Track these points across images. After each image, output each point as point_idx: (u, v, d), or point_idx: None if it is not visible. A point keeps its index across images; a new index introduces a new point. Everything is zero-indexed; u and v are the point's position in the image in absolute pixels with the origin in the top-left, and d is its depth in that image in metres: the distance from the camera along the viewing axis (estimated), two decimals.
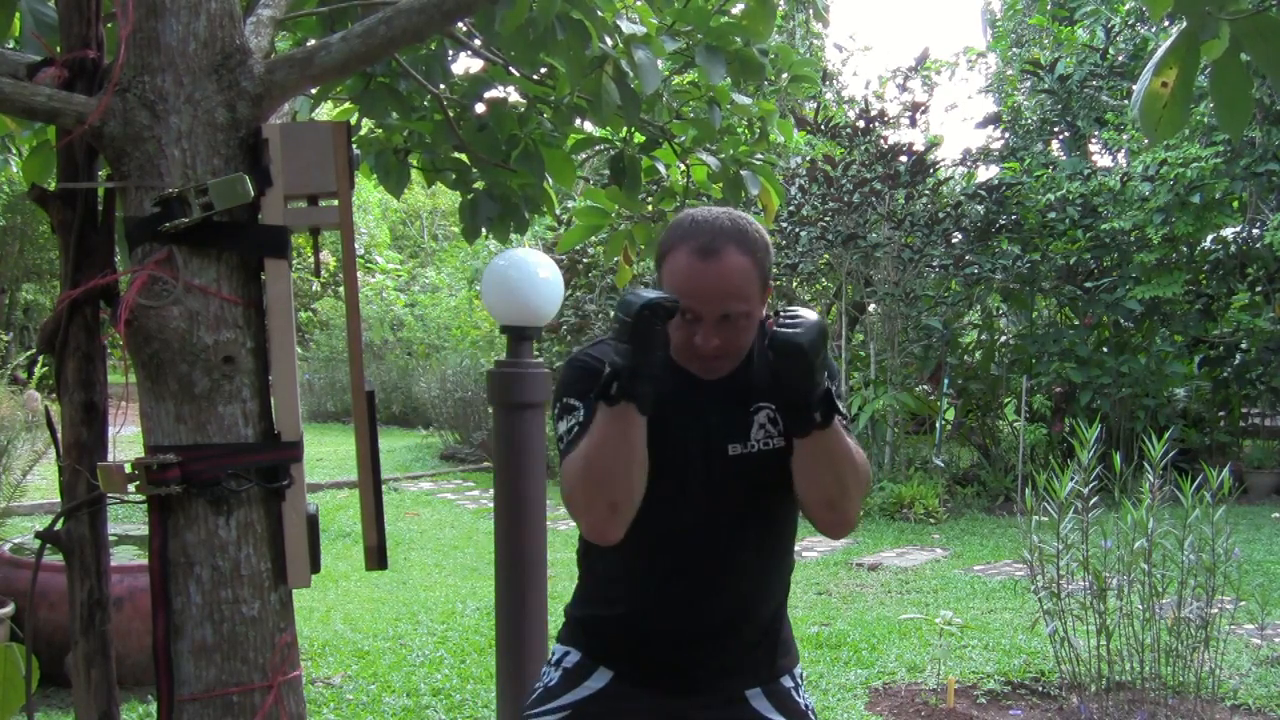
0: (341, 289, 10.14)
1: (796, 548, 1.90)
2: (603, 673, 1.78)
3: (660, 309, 1.53)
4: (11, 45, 2.07)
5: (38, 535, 1.57)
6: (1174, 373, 9.34)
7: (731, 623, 1.77)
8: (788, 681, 1.84)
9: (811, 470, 1.64)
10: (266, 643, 1.51)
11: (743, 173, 2.98)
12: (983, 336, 10.77)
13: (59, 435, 1.58)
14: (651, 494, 1.62)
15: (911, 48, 42.90)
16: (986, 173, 10.99)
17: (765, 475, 1.71)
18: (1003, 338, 10.69)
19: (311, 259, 13.62)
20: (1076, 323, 9.88)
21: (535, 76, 2.73)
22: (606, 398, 1.55)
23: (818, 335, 1.56)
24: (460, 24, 2.58)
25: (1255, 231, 9.48)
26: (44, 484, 6.31)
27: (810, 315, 1.58)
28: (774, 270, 1.74)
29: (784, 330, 1.55)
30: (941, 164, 10.37)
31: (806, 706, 1.85)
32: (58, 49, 1.61)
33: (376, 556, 1.60)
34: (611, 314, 10.04)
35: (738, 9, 2.67)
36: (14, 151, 3.34)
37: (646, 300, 1.53)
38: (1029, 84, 11.23)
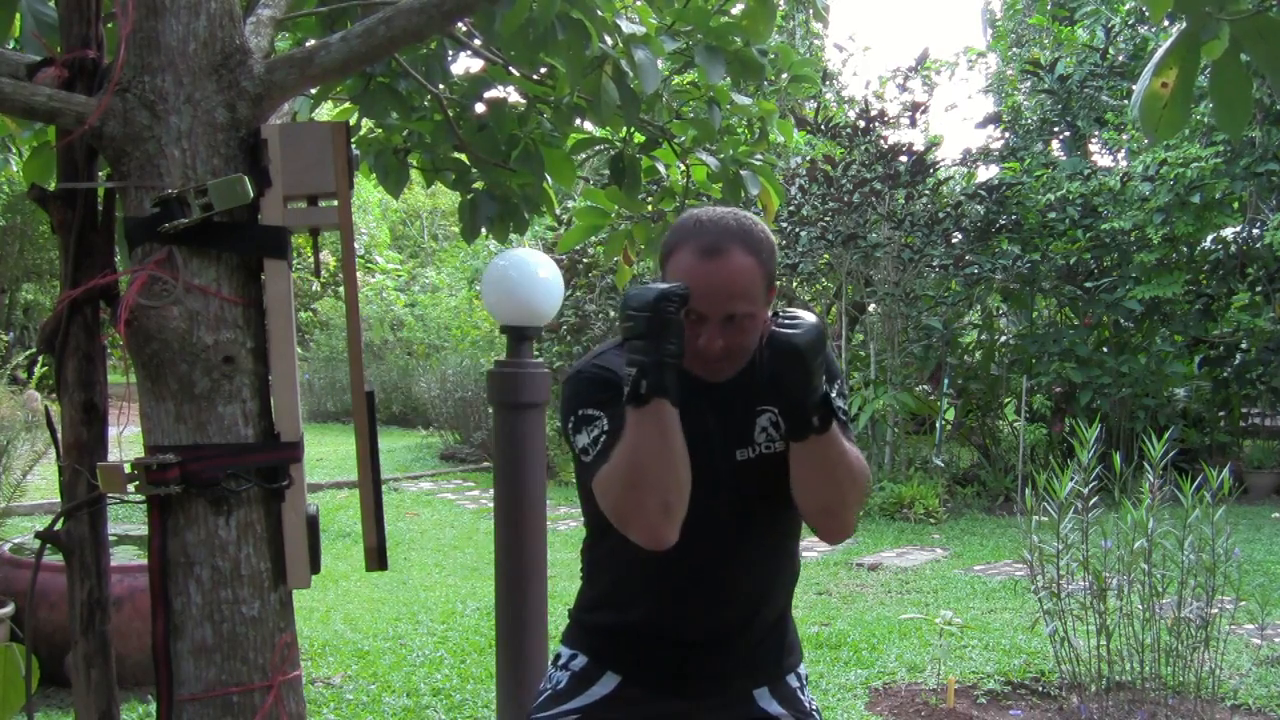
0: (341, 289, 10.14)
1: None
2: (610, 677, 1.77)
3: (675, 296, 1.53)
4: (11, 45, 2.07)
5: (38, 535, 1.57)
6: (1174, 373, 9.33)
7: (741, 625, 1.78)
8: (793, 681, 1.85)
9: (808, 476, 1.64)
10: (266, 643, 1.51)
11: (743, 173, 2.97)
12: (983, 336, 10.76)
13: (59, 435, 1.58)
14: None
15: (911, 48, 42.88)
16: (986, 173, 10.98)
17: (770, 479, 1.70)
18: (1003, 338, 10.69)
19: (311, 259, 13.61)
20: (1076, 323, 9.88)
21: (535, 76, 2.73)
22: (637, 399, 1.53)
23: (816, 337, 1.55)
24: (460, 24, 2.58)
25: (1255, 231, 9.48)
26: (44, 484, 6.30)
27: (809, 317, 1.57)
28: (778, 271, 1.74)
29: (782, 331, 1.55)
30: (941, 164, 10.36)
31: (812, 707, 1.86)
32: (58, 49, 1.60)
33: (376, 557, 1.60)
34: (612, 314, 10.04)
35: (738, 9, 2.66)
36: (14, 151, 3.33)
37: (661, 291, 1.53)
38: (1029, 84, 11.23)
